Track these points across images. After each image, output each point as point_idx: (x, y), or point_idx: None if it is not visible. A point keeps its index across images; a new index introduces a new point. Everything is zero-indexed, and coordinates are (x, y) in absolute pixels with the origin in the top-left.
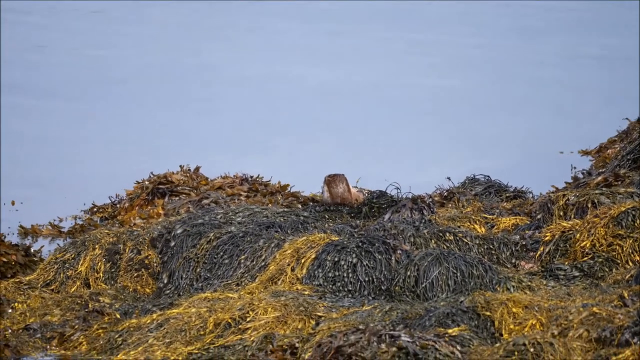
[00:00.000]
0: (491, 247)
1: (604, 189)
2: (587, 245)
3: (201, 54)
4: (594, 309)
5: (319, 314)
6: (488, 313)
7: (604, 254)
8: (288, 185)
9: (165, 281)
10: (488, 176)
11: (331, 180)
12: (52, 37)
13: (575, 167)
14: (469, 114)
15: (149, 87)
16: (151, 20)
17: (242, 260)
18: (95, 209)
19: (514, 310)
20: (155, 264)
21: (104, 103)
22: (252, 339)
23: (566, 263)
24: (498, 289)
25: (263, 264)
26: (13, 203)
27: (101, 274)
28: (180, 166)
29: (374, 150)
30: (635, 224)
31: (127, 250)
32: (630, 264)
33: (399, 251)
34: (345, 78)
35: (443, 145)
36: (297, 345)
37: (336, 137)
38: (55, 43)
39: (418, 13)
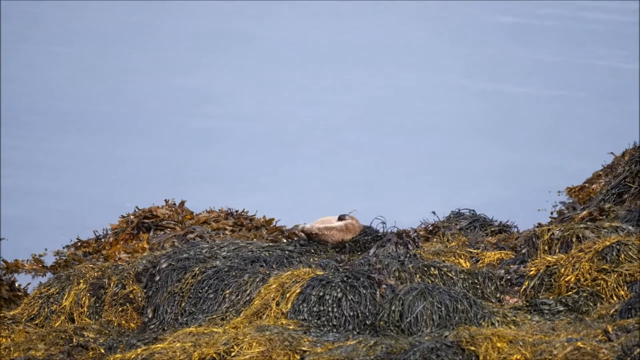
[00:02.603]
0: (476, 281)
1: (588, 223)
2: (572, 279)
3: (191, 83)
4: (579, 343)
5: (303, 348)
6: (473, 348)
7: (588, 288)
8: (273, 219)
9: (150, 316)
10: (473, 210)
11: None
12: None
13: (555, 206)
14: (454, 147)
15: (132, 119)
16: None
17: (227, 295)
18: (79, 244)
19: (498, 345)
20: (140, 299)
21: (87, 136)
22: None
23: (551, 297)
24: (483, 323)
25: (248, 298)
26: None
27: (86, 309)
28: (166, 200)
29: (359, 186)
30: (620, 259)
31: (111, 285)
32: (615, 298)
33: (383, 286)
34: (329, 113)
35: (428, 179)
36: None
37: (321, 172)
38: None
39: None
